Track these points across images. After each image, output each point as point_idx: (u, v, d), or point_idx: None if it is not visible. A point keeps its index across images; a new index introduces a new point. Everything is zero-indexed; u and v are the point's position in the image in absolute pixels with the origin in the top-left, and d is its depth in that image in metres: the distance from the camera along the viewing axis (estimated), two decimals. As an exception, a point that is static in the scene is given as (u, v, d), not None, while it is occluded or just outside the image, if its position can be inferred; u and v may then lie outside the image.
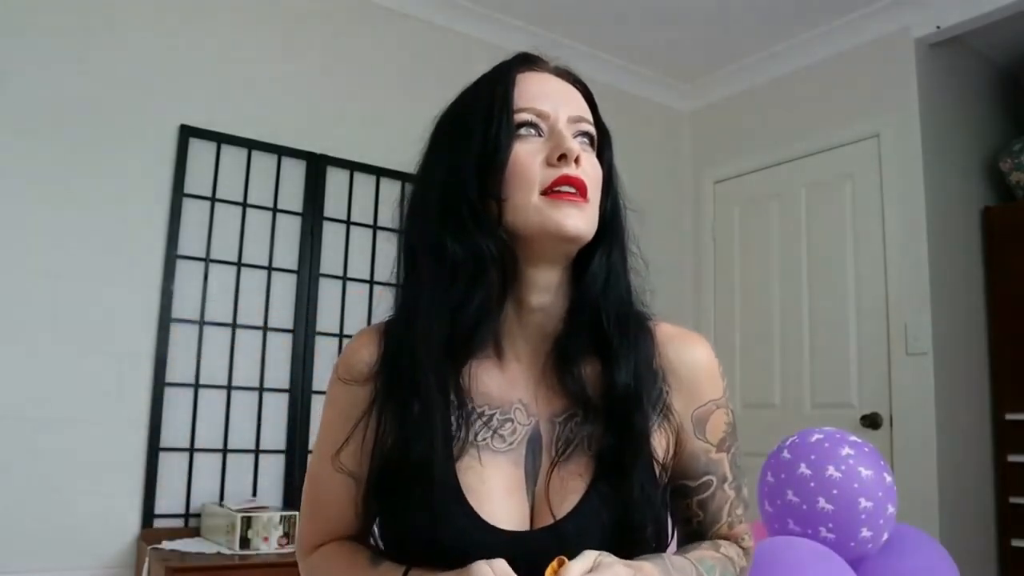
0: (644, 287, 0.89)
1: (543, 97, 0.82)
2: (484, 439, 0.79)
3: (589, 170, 0.80)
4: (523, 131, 0.80)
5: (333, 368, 0.88)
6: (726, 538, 0.89)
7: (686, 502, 0.89)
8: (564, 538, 0.75)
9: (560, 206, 0.77)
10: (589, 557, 0.70)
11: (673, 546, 0.89)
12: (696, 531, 0.90)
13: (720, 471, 0.88)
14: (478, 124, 0.80)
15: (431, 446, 0.75)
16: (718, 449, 0.88)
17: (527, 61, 0.87)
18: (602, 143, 0.87)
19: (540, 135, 0.80)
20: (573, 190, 0.77)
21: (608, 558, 0.71)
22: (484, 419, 0.80)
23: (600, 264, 0.83)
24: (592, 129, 0.84)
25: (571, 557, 0.70)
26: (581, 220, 0.78)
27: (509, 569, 0.68)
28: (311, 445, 2.56)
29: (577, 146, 0.79)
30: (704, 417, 0.86)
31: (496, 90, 0.81)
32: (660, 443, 0.83)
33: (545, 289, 0.82)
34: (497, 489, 0.78)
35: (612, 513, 0.77)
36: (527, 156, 0.78)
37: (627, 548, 0.76)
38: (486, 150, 0.78)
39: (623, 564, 0.71)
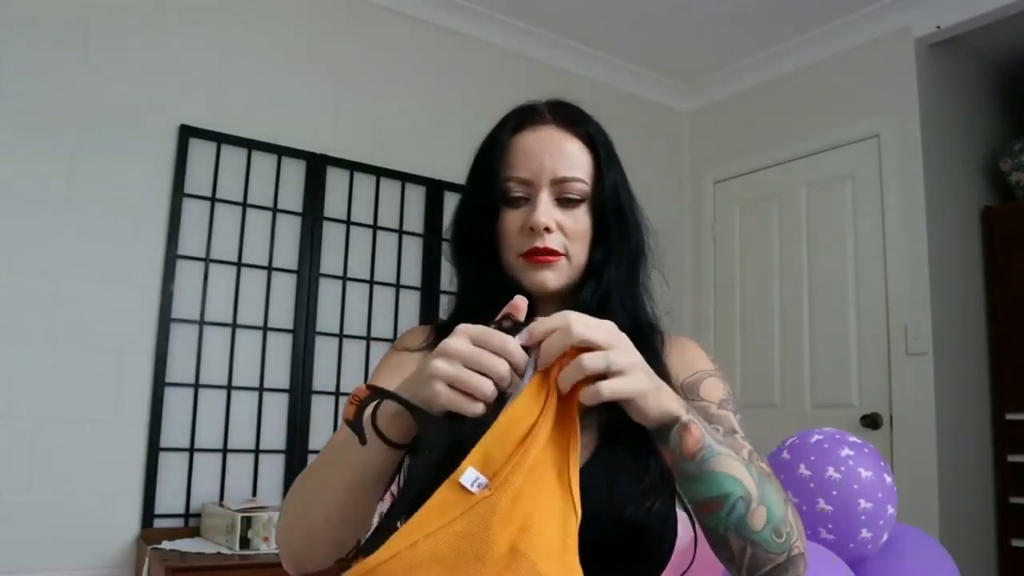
0: (657, 306, 0.99)
1: (529, 162, 0.93)
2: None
3: (568, 229, 0.92)
4: (511, 199, 0.93)
5: (391, 347, 1.02)
6: None
7: None
8: None
9: (534, 268, 0.91)
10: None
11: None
12: None
13: (727, 424, 0.87)
14: (477, 189, 0.96)
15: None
16: (719, 407, 0.90)
17: (522, 118, 0.96)
18: (602, 177, 0.94)
19: (526, 199, 0.93)
20: (546, 256, 0.90)
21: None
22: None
23: (589, 293, 0.93)
24: (577, 185, 0.93)
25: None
26: (551, 278, 0.91)
27: (480, 325, 0.67)
28: (311, 445, 2.59)
29: (547, 218, 0.90)
30: (695, 383, 0.92)
31: (490, 159, 0.95)
32: None
33: (554, 308, 0.91)
34: None
35: (618, 477, 0.82)
36: (511, 223, 0.93)
37: (630, 512, 0.79)
38: (482, 214, 0.94)
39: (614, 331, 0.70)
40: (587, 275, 0.94)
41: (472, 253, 0.97)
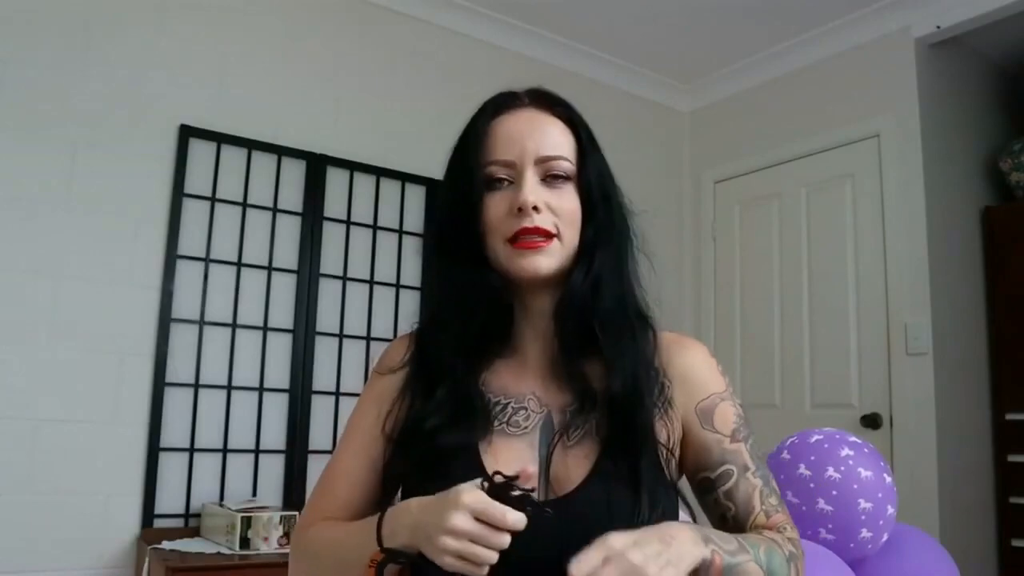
0: (647, 293, 0.96)
1: (511, 144, 0.90)
2: (500, 425, 0.89)
3: (557, 208, 0.89)
4: (494, 183, 0.90)
5: (372, 370, 1.01)
6: (767, 528, 0.89)
7: (713, 496, 0.91)
8: (571, 511, 0.81)
9: (523, 254, 0.88)
10: (599, 547, 0.71)
11: None
12: (733, 527, 0.90)
13: (740, 460, 0.90)
14: (457, 179, 0.93)
15: (447, 422, 0.87)
16: (732, 439, 0.91)
17: (500, 103, 0.95)
18: (585, 158, 0.92)
19: (510, 182, 0.90)
20: (535, 237, 0.87)
21: (617, 542, 0.71)
22: (500, 407, 0.90)
23: (581, 276, 0.90)
24: (563, 163, 0.91)
25: (578, 531, 0.73)
26: (544, 262, 0.88)
27: (482, 496, 0.72)
28: (311, 445, 2.58)
29: (534, 196, 0.87)
30: (709, 409, 0.92)
31: (470, 146, 0.92)
32: (662, 432, 0.90)
33: (545, 298, 0.93)
34: (512, 465, 0.82)
35: (617, 490, 0.83)
36: (495, 208, 0.89)
37: (632, 525, 0.78)
38: (463, 204, 0.90)
39: (638, 535, 0.72)
40: (577, 260, 0.91)
41: (455, 249, 0.92)
